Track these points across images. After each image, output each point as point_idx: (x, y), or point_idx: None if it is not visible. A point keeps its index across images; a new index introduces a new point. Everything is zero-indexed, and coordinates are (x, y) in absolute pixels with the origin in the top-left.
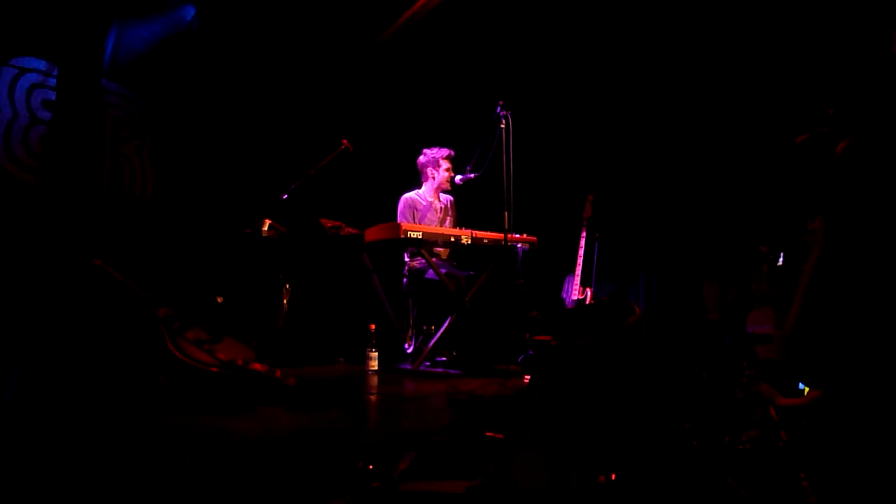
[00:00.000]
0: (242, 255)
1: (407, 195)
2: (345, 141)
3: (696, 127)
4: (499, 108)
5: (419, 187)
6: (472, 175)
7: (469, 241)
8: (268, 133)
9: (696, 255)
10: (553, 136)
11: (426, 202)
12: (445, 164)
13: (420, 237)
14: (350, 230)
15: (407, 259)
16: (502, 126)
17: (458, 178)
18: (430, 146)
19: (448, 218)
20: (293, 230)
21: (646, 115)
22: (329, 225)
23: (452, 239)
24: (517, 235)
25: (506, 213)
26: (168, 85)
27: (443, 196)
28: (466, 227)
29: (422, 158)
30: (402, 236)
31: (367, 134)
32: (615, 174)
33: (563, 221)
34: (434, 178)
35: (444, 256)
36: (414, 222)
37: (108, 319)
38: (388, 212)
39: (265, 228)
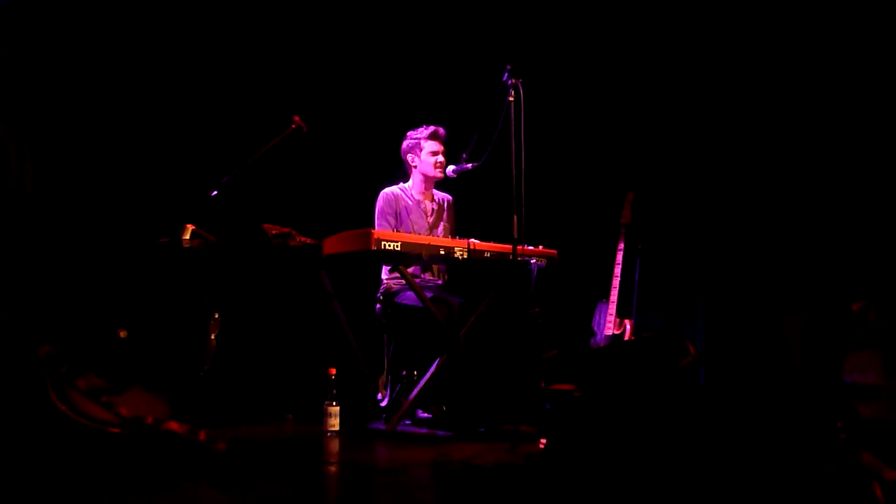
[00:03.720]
0: (155, 272)
1: (388, 190)
2: (296, 118)
3: (784, 102)
4: (506, 75)
5: (405, 181)
6: (468, 166)
7: (465, 256)
8: (191, 108)
9: (776, 277)
10: (580, 111)
11: (412, 200)
12: (431, 146)
13: (398, 249)
14: (303, 239)
15: (385, 278)
16: (510, 99)
17: (450, 169)
18: (416, 127)
19: (442, 224)
20: (225, 239)
21: (711, 80)
22: (274, 232)
23: (442, 252)
24: (530, 248)
25: (515, 218)
26: (47, 34)
27: (437, 194)
28: (462, 236)
29: (404, 144)
30: (375, 248)
31: (330, 110)
32: (664, 165)
33: (592, 229)
34: (417, 166)
35: (433, 275)
36: (396, 225)
37: None
38: (360, 216)
39: (186, 237)
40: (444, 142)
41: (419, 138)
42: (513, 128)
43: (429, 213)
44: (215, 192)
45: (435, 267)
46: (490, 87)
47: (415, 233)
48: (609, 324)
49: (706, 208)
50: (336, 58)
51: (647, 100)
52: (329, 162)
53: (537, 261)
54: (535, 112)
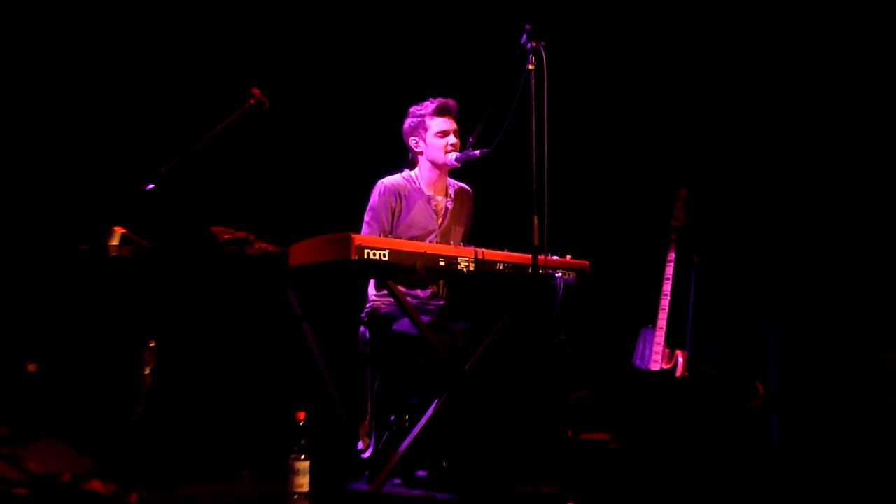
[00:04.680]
0: (73, 289)
1: (387, 181)
2: (256, 91)
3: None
4: (525, 38)
5: (411, 169)
6: (476, 152)
7: (471, 268)
8: (117, 77)
9: (872, 301)
10: (619, 82)
11: (419, 194)
12: (440, 124)
13: (385, 258)
14: (264, 246)
15: (371, 296)
16: (530, 68)
17: (452, 156)
18: (420, 101)
19: (456, 226)
20: (163, 246)
21: (787, 52)
22: (227, 237)
23: (442, 263)
24: (555, 258)
25: (535, 220)
26: None
27: (453, 185)
28: (469, 243)
29: (405, 122)
30: (356, 257)
31: (303, 79)
32: (729, 152)
33: (634, 235)
34: (423, 152)
35: (439, 292)
36: (394, 228)
37: None
38: (341, 217)
39: (114, 242)
40: (456, 118)
41: (423, 115)
42: (533, 104)
43: (440, 213)
44: (151, 186)
45: (441, 282)
46: (505, 53)
47: (418, 238)
48: (656, 356)
49: (782, 210)
50: (312, 12)
51: (707, 66)
52: (301, 147)
53: (564, 275)
54: (562, 84)
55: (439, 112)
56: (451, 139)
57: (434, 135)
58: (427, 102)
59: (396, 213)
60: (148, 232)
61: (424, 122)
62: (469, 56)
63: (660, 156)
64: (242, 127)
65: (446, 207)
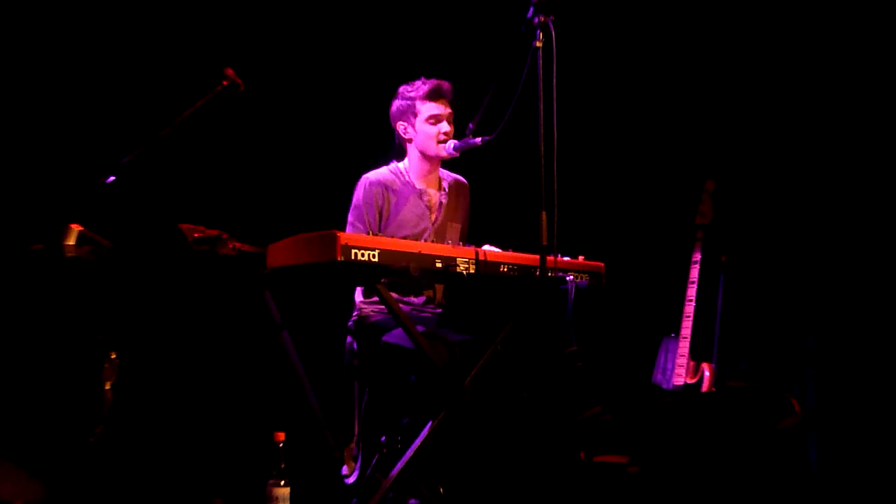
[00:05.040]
0: (24, 294)
1: (372, 175)
2: (230, 72)
3: None
4: (531, 11)
5: (399, 160)
6: (476, 140)
7: (472, 270)
8: (74, 56)
9: None
10: (636, 60)
11: (409, 188)
12: (431, 108)
13: (375, 259)
14: (239, 245)
15: (359, 303)
16: (537, 45)
17: (450, 145)
18: (411, 81)
19: (451, 223)
20: (126, 245)
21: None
22: (197, 235)
23: (439, 264)
24: (566, 259)
25: (543, 216)
26: None
27: (446, 177)
28: (469, 242)
29: (393, 105)
30: (342, 258)
31: (283, 59)
32: (761, 139)
33: (655, 232)
34: (412, 139)
35: (429, 298)
36: (382, 226)
37: None
38: (324, 213)
39: (71, 242)
40: (451, 102)
41: (414, 97)
42: (541, 86)
43: (434, 207)
44: (112, 179)
45: (439, 287)
46: (508, 28)
47: (411, 236)
48: (680, 368)
49: (823, 203)
50: None
51: (736, 36)
52: (280, 135)
53: (576, 277)
54: (573, 63)
55: (431, 96)
56: (444, 127)
57: (425, 121)
58: (418, 83)
59: (384, 212)
60: (109, 230)
61: (415, 105)
62: (468, 32)
63: (683, 142)
64: (215, 112)
65: (440, 202)
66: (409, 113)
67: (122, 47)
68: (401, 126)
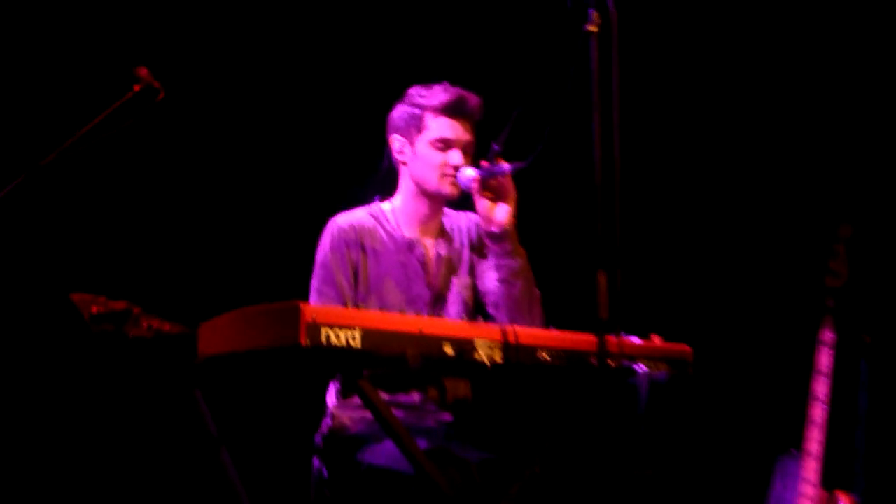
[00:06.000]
0: None
1: (344, 220)
2: (143, 72)
3: None
4: None
5: (385, 195)
6: (505, 168)
7: (498, 358)
8: None
9: None
10: (735, 56)
11: (397, 237)
12: (443, 127)
13: (356, 344)
14: (157, 324)
15: (332, 407)
16: (591, 30)
17: (467, 176)
18: (427, 85)
19: (458, 286)
20: None
21: None
22: (96, 310)
23: (449, 350)
24: (634, 339)
25: (601, 277)
26: None
27: (451, 218)
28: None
29: (395, 110)
30: (307, 342)
31: (227, 57)
32: None
33: (761, 300)
34: (407, 163)
35: (433, 398)
36: (358, 295)
37: None
38: (284, 278)
39: None
40: (474, 125)
41: (424, 106)
42: (596, 89)
43: (431, 263)
44: None
45: (449, 383)
46: (548, 8)
47: (399, 307)
48: (806, 501)
49: None
50: None
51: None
52: (217, 161)
53: (650, 368)
54: (641, 56)
55: (449, 110)
56: (454, 157)
57: (430, 142)
58: (437, 88)
59: (361, 272)
60: None
61: (423, 117)
62: (489, 11)
63: (801, 171)
64: (125, 129)
65: (438, 254)
66: (413, 125)
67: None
68: (397, 141)
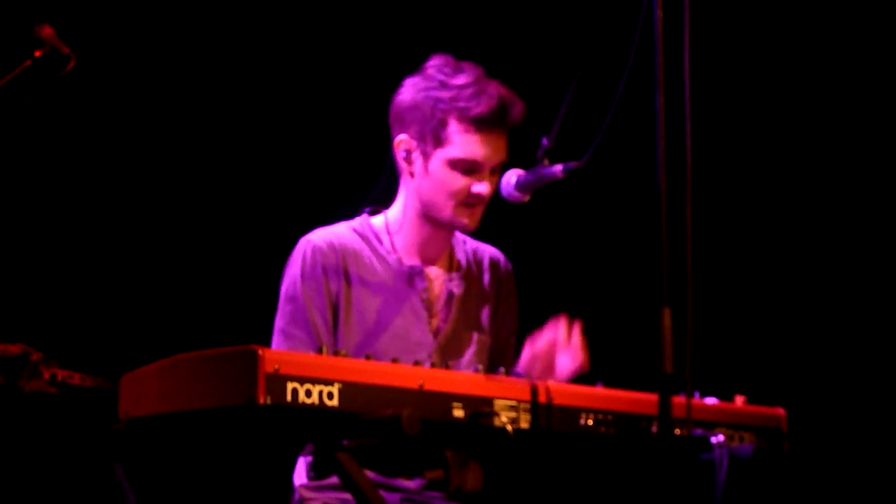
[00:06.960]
0: None
1: (319, 237)
2: (47, 33)
3: None
4: None
5: (377, 206)
6: (556, 170)
7: (524, 423)
8: None
9: None
10: (834, 46)
11: (390, 262)
12: (472, 144)
13: (333, 403)
14: (64, 375)
15: (300, 486)
16: (657, 14)
17: (512, 179)
18: (454, 72)
19: (473, 336)
20: None
21: None
22: None
23: (460, 412)
24: (710, 401)
25: (665, 315)
26: None
27: (465, 246)
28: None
29: (404, 96)
30: (264, 400)
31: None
32: None
33: (875, 351)
34: (415, 174)
35: (436, 480)
36: (339, 332)
37: None
38: (239, 317)
39: None
40: (509, 132)
41: (450, 103)
42: (661, 83)
43: (434, 301)
44: None
45: (453, 456)
46: None
47: (392, 355)
48: None
49: None
50: None
51: None
52: (160, 162)
53: (730, 439)
54: (715, 44)
55: (483, 121)
56: (481, 187)
57: (449, 160)
58: (463, 77)
59: (343, 308)
60: None
61: (447, 127)
62: None
63: None
64: (24, 112)
65: (450, 293)
66: (430, 132)
67: None
68: (404, 143)
